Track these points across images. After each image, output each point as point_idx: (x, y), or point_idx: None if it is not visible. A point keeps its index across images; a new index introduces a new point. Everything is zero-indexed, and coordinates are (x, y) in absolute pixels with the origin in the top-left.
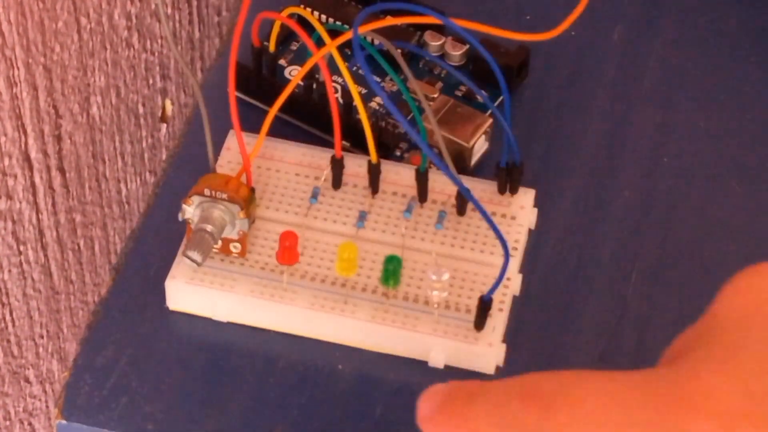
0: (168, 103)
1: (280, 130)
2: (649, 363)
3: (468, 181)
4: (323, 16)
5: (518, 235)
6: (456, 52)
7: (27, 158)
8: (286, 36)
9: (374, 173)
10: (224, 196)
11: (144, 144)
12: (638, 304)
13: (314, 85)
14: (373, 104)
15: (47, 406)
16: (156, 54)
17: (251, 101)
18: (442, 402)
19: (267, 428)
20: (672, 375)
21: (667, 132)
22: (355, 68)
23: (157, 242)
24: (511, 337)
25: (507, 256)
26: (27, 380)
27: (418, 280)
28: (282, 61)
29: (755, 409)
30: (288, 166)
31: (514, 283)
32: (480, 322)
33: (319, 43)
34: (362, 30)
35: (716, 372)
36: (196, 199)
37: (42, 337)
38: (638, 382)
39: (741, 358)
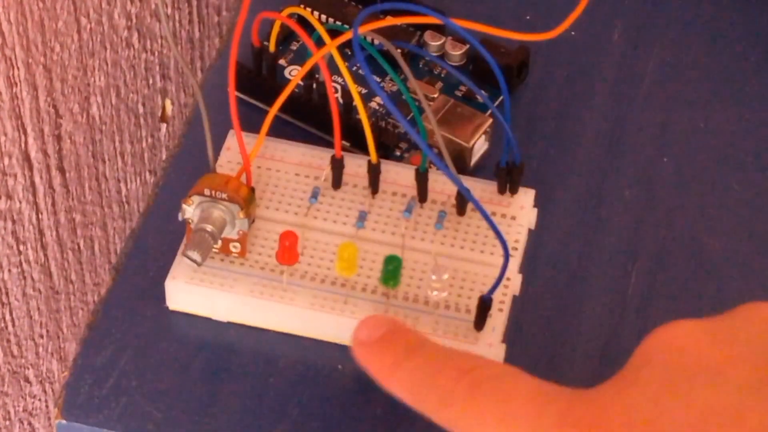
0: (168, 102)
1: (280, 130)
2: None
3: (468, 181)
4: (323, 16)
5: (518, 235)
6: (456, 52)
7: (27, 158)
8: (286, 36)
9: (374, 173)
10: (224, 196)
11: (144, 144)
12: (638, 303)
13: (314, 85)
14: (373, 104)
15: (47, 406)
16: (156, 54)
17: (251, 101)
18: (381, 338)
19: (267, 428)
20: (587, 396)
21: (667, 132)
22: (355, 68)
23: (157, 242)
24: (511, 337)
25: (507, 256)
26: (27, 380)
27: (418, 280)
28: (282, 61)
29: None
30: (288, 166)
31: (513, 283)
32: (480, 322)
33: (319, 43)
34: (362, 30)
35: (612, 398)
36: (196, 199)
37: (42, 336)
38: (563, 394)
39: (632, 391)
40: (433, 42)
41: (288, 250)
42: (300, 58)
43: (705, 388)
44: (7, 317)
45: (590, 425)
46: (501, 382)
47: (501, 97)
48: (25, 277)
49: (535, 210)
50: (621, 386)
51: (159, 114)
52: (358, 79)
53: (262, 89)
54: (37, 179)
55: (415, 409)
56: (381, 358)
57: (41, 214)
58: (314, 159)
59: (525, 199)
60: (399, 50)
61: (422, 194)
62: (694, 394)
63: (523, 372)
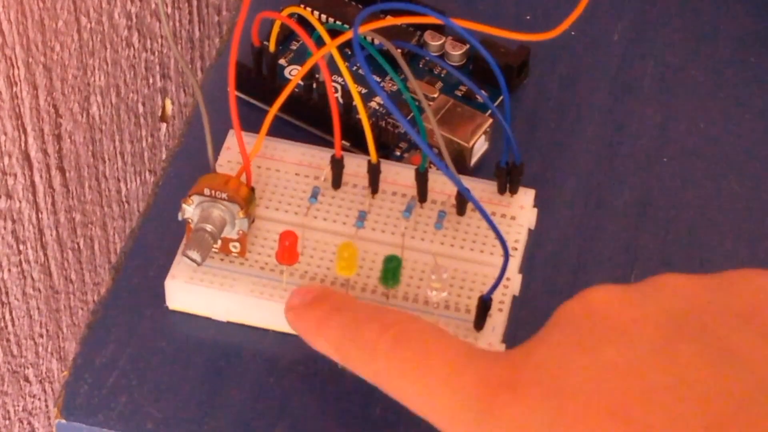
0: (168, 102)
1: (280, 130)
2: None
3: (468, 181)
4: (323, 16)
5: (518, 235)
6: (456, 52)
7: (27, 157)
8: (286, 36)
9: (374, 173)
10: (224, 195)
11: (144, 143)
12: None
13: (314, 85)
14: (373, 104)
15: (47, 406)
16: (156, 53)
17: (251, 101)
18: (311, 300)
19: (267, 428)
20: (502, 355)
21: (666, 132)
22: (355, 68)
23: (156, 242)
24: (510, 337)
25: (507, 256)
26: (26, 379)
27: (418, 280)
28: (282, 61)
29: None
30: (288, 166)
31: (513, 283)
32: (480, 322)
33: (319, 42)
34: (362, 30)
35: (524, 357)
36: (195, 199)
37: (41, 336)
38: (480, 353)
39: (542, 349)
40: (433, 42)
41: (288, 249)
42: (300, 57)
43: (610, 346)
44: (7, 317)
45: (502, 383)
46: (424, 338)
47: (501, 97)
48: (24, 277)
49: (535, 210)
50: (532, 345)
51: (159, 113)
52: (358, 79)
53: (262, 89)
54: (37, 179)
55: (342, 366)
56: (308, 317)
57: (41, 213)
58: (314, 159)
59: (525, 199)
60: (399, 50)
61: (422, 194)
62: (599, 351)
63: (447, 331)
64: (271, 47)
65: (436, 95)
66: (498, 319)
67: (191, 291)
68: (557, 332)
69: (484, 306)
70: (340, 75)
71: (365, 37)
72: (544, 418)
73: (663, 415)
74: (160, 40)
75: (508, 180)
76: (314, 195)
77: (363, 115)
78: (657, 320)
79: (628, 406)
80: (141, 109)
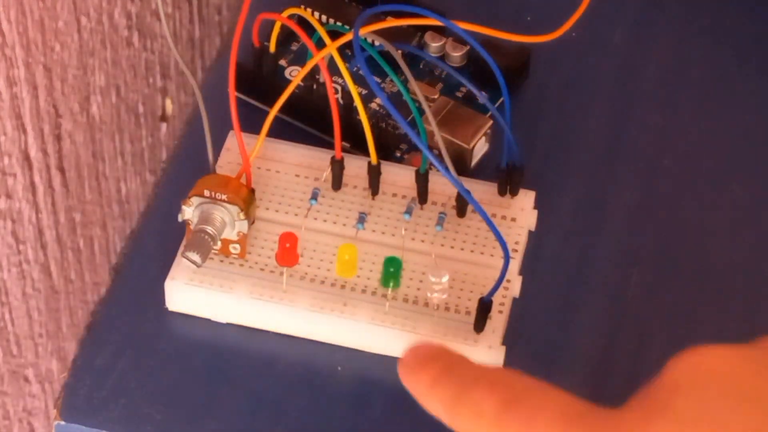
0: (168, 102)
1: (280, 131)
2: (648, 365)
3: (468, 183)
4: (323, 17)
5: (518, 236)
6: (456, 53)
7: (27, 157)
8: (287, 36)
9: (374, 174)
10: (224, 197)
11: (144, 143)
12: (638, 305)
13: (314, 86)
14: (373, 105)
15: (46, 406)
16: (156, 53)
17: (251, 101)
18: (424, 359)
19: (266, 430)
20: (615, 418)
21: (667, 133)
22: (355, 69)
23: (157, 242)
24: (510, 339)
25: (507, 258)
26: (26, 379)
27: (418, 281)
28: (282, 62)
29: None
30: (288, 167)
31: (513, 285)
32: (480, 324)
33: (320, 43)
34: (363, 31)
35: (641, 424)
36: (195, 200)
37: (41, 336)
38: (590, 413)
39: (664, 418)
40: (434, 43)
41: (288, 251)
42: (300, 58)
43: (745, 415)
44: (7, 317)
45: None
46: (530, 398)
47: (501, 99)
48: (24, 277)
49: (536, 212)
50: (650, 412)
51: (159, 113)
52: (359, 80)
53: (262, 90)
54: (36, 179)
55: (452, 429)
56: (421, 377)
57: (41, 213)
58: (314, 160)
59: (525, 200)
60: (399, 51)
61: (422, 196)
62: (733, 422)
63: (553, 387)
64: (272, 48)
65: (436, 96)
66: (498, 321)
67: (191, 292)
68: (679, 399)
69: (484, 308)
70: (341, 76)
71: (365, 39)
72: None
73: None
74: (160, 40)
75: (509, 182)
76: (314, 196)
77: (363, 117)
78: None
79: None
80: (141, 109)
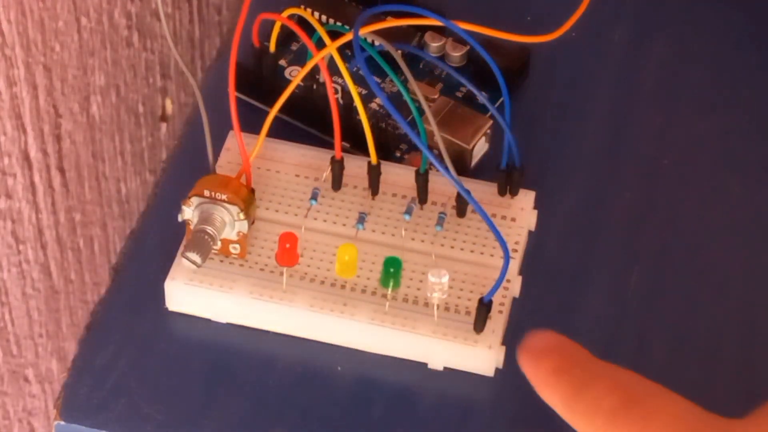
0: (168, 102)
1: (280, 131)
2: (648, 365)
3: (468, 183)
4: (323, 17)
5: (518, 237)
6: (456, 53)
7: (26, 157)
8: (287, 36)
9: (374, 174)
10: (224, 197)
11: (144, 143)
12: (638, 305)
13: (314, 86)
14: (373, 105)
15: (46, 406)
16: (156, 53)
17: (251, 101)
18: (548, 348)
19: (266, 430)
20: (737, 427)
21: (667, 133)
22: (355, 69)
23: (156, 242)
24: (510, 339)
25: (507, 258)
26: (26, 379)
27: (418, 281)
28: (282, 62)
29: None
30: (288, 167)
31: (513, 285)
32: (480, 324)
33: (320, 43)
34: (363, 31)
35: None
36: (195, 200)
37: (41, 336)
38: (710, 420)
39: None
40: (434, 43)
41: (288, 251)
42: (300, 58)
43: None
44: (7, 317)
45: None
46: (649, 400)
47: (501, 99)
48: (24, 277)
49: (535, 212)
50: None
51: (159, 113)
52: (359, 80)
53: (262, 90)
54: (36, 179)
55: (566, 421)
56: (543, 366)
57: (41, 213)
58: (314, 160)
59: (525, 200)
60: (399, 51)
61: (422, 196)
62: None
63: (674, 393)
64: (272, 48)
65: (436, 97)
66: (498, 322)
67: (191, 292)
68: None
69: (484, 308)
70: (341, 76)
71: (365, 39)
72: None
73: None
74: (160, 40)
75: (508, 182)
76: (314, 196)
77: (363, 117)
78: None
79: None
80: (141, 109)
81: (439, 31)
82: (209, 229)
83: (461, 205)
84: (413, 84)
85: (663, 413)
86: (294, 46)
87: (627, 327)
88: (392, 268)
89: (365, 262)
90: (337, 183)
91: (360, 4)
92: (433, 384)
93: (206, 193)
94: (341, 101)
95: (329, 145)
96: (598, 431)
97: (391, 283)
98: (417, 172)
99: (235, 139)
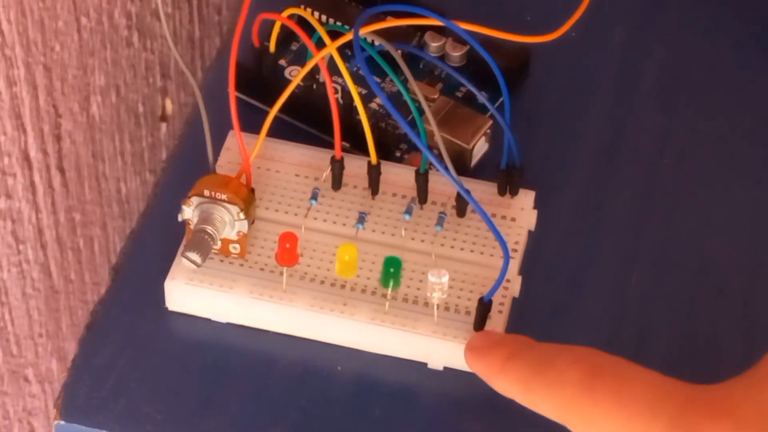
0: (168, 102)
1: (280, 131)
2: (648, 365)
3: (468, 183)
4: (323, 17)
5: (518, 236)
6: (456, 53)
7: (26, 157)
8: (287, 36)
9: (374, 174)
10: (224, 197)
11: (144, 143)
12: (638, 304)
13: (314, 86)
14: (373, 105)
15: (46, 406)
16: (156, 53)
17: (251, 101)
18: (494, 343)
19: (266, 429)
20: (707, 389)
21: (667, 133)
22: (355, 69)
23: (156, 242)
24: None
25: (507, 257)
26: (26, 379)
27: (418, 281)
28: (282, 62)
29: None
30: (288, 167)
31: (513, 285)
32: (480, 323)
33: (320, 43)
34: (363, 31)
35: (744, 390)
36: (195, 200)
37: (41, 336)
38: (678, 384)
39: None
40: (434, 43)
41: (288, 251)
42: (300, 58)
43: None
44: (7, 316)
45: (716, 410)
46: (619, 368)
47: (501, 99)
48: (24, 277)
49: (535, 212)
50: (754, 381)
51: (159, 113)
52: (359, 80)
53: (262, 89)
54: (36, 178)
55: (525, 406)
56: (491, 357)
57: (41, 213)
58: (314, 160)
59: (525, 200)
60: (399, 51)
61: (422, 195)
62: None
63: (639, 365)
64: (272, 48)
65: (436, 96)
66: (498, 321)
67: (191, 292)
68: None
69: (484, 308)
70: (341, 76)
71: (365, 39)
72: None
73: None
74: (160, 40)
75: (508, 182)
76: (314, 196)
77: (363, 117)
78: None
79: None
80: (141, 109)
81: (439, 31)
82: (209, 228)
83: (461, 205)
84: (413, 84)
85: (634, 380)
86: (294, 46)
87: (627, 327)
88: (392, 268)
89: (365, 261)
90: (337, 183)
91: (360, 4)
92: (433, 384)
93: (206, 192)
94: (341, 101)
95: (329, 145)
96: (566, 405)
97: (391, 283)
98: (417, 172)
99: (235, 138)
